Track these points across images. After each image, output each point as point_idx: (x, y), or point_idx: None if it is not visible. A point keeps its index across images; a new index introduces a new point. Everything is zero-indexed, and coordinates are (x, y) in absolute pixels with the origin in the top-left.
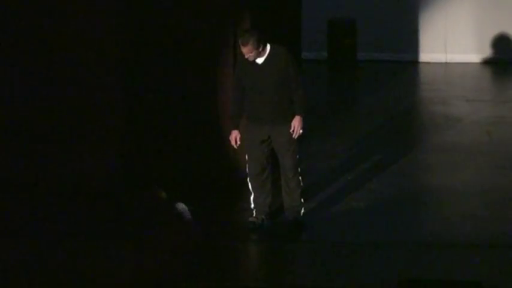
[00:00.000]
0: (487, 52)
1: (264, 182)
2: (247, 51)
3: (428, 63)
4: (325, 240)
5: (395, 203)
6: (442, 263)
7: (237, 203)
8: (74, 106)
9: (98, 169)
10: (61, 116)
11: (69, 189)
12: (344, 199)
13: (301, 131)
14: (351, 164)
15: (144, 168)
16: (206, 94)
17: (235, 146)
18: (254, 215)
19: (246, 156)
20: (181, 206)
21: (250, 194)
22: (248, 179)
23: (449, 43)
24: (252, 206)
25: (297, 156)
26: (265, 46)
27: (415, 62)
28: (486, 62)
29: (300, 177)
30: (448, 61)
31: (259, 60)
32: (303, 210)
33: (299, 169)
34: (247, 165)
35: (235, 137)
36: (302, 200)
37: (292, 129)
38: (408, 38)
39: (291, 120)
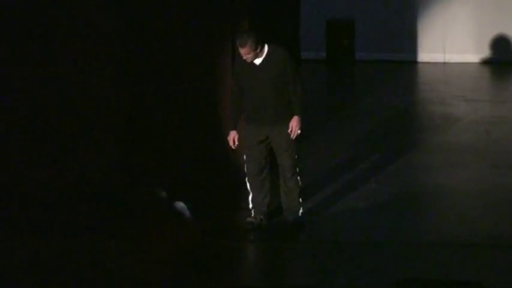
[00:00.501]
0: (485, 52)
1: (263, 182)
2: (245, 52)
3: (427, 63)
4: (324, 240)
5: (394, 202)
6: (441, 263)
7: (236, 203)
8: (73, 106)
9: (98, 169)
10: (61, 116)
11: (69, 189)
12: (343, 199)
13: (299, 131)
14: (349, 164)
15: (144, 168)
16: (206, 94)
17: (233, 147)
18: (252, 215)
19: (244, 157)
20: (181, 205)
21: (249, 194)
22: (246, 179)
23: (447, 43)
24: (251, 206)
25: (296, 156)
26: (263, 47)
27: (413, 62)
28: (484, 62)
29: (299, 177)
30: (446, 61)
31: (257, 61)
32: (301, 210)
33: (298, 169)
34: (245, 165)
35: (233, 137)
36: (301, 200)
37: (290, 129)
38: (407, 38)
39: (289, 121)
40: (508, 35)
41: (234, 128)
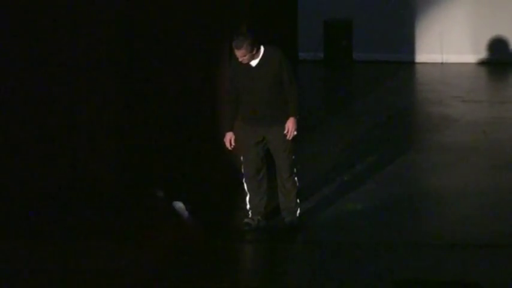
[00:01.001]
0: (482, 53)
1: (260, 183)
2: (241, 54)
3: (425, 63)
4: (322, 241)
5: (392, 203)
6: (440, 263)
7: (234, 204)
8: (73, 106)
9: (97, 169)
10: (61, 116)
11: (69, 189)
12: (340, 200)
13: (295, 132)
14: (347, 165)
15: (143, 168)
16: (205, 95)
17: (229, 148)
18: (250, 216)
19: (242, 158)
20: (179, 206)
21: (246, 195)
22: (244, 180)
23: (445, 44)
24: (248, 207)
25: (293, 157)
26: (259, 49)
27: (411, 63)
28: (482, 63)
29: (296, 178)
30: (444, 61)
31: (253, 63)
32: (299, 211)
33: (295, 170)
34: (242, 167)
35: (229, 138)
36: (298, 200)
37: (286, 130)
38: (404, 39)
39: (286, 122)
40: (505, 36)
41: (230, 129)
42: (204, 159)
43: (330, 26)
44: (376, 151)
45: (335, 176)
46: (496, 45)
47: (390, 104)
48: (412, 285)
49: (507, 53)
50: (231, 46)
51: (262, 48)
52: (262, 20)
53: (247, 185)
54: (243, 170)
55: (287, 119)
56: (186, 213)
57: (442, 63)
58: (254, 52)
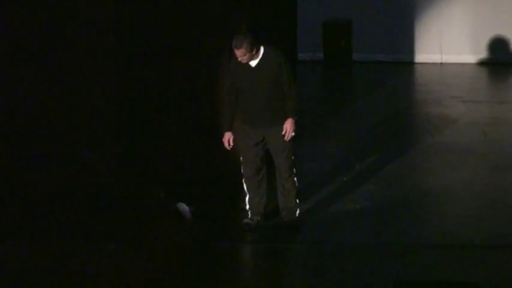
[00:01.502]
0: (482, 53)
1: (259, 183)
2: (240, 54)
3: (424, 64)
4: (321, 241)
5: (392, 203)
6: (440, 263)
7: (234, 204)
8: (73, 106)
9: (97, 168)
10: (60, 116)
11: (69, 188)
12: (340, 200)
13: (293, 133)
14: (347, 165)
15: (143, 168)
16: (205, 95)
17: (228, 148)
18: (249, 216)
19: (241, 158)
20: (184, 207)
21: (246, 195)
22: (243, 180)
23: (444, 44)
24: (247, 207)
25: (293, 157)
26: (258, 49)
27: (410, 63)
28: (481, 63)
29: (296, 178)
30: (443, 62)
31: (253, 63)
32: (298, 211)
33: (294, 170)
34: (242, 167)
35: (228, 138)
36: (297, 201)
37: (284, 131)
38: (404, 39)
39: (285, 122)
40: (505, 36)
41: (229, 129)
42: (204, 159)
43: (329, 26)
44: (376, 151)
45: (335, 176)
46: (496, 45)
47: (389, 104)
48: (412, 285)
49: (507, 53)
50: (231, 46)
51: (262, 49)
52: (262, 20)
53: (246, 185)
54: (242, 170)
55: (286, 119)
56: (189, 215)
57: (441, 63)
58: (254, 52)
